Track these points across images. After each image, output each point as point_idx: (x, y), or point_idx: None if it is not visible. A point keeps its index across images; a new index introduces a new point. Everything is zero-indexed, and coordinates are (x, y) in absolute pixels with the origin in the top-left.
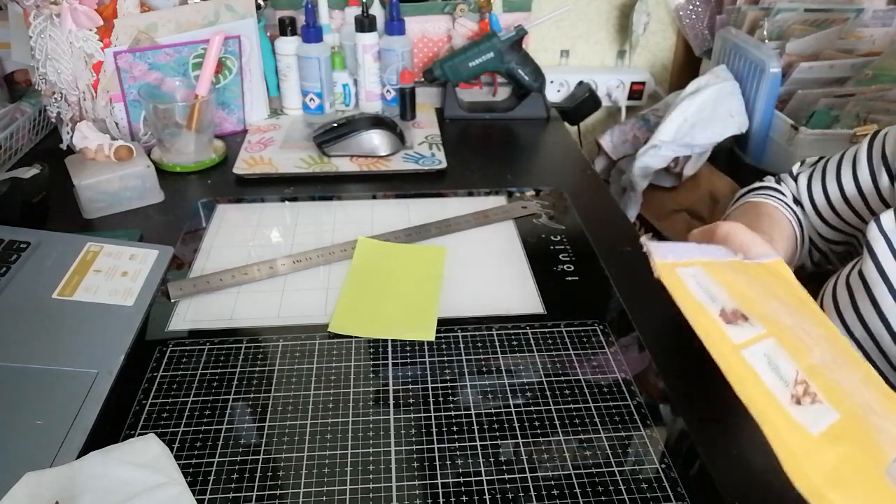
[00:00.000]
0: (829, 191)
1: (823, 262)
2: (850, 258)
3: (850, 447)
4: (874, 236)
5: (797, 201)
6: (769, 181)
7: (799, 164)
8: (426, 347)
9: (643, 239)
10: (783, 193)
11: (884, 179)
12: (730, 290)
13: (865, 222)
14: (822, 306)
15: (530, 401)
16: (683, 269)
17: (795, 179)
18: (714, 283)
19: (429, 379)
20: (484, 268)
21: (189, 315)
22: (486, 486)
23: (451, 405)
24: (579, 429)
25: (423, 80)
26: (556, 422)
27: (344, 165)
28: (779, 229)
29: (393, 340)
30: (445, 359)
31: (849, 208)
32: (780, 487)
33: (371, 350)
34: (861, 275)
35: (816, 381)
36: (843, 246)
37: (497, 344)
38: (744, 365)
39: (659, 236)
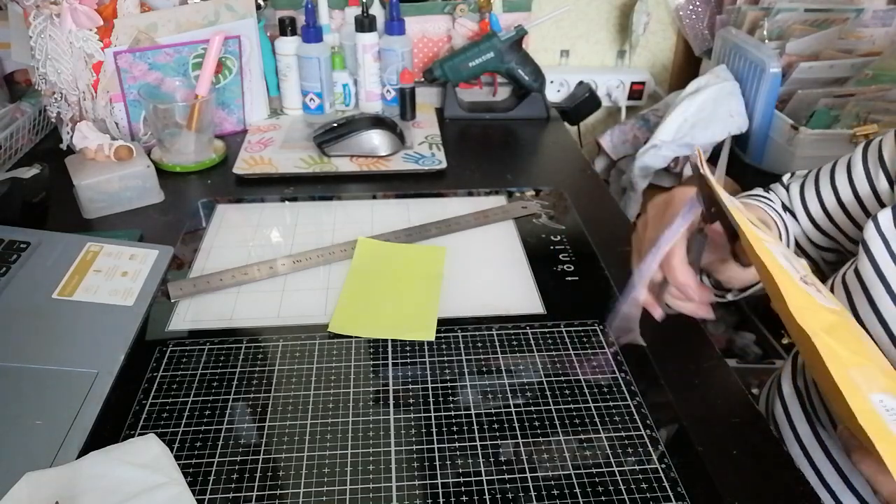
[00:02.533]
0: (824, 196)
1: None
2: (840, 265)
3: (845, 321)
4: (871, 235)
5: (787, 209)
6: (758, 192)
7: (789, 175)
8: (426, 347)
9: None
10: (771, 200)
11: (882, 184)
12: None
13: (860, 228)
14: None
15: (530, 401)
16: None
17: (787, 188)
18: (739, 207)
19: (429, 379)
20: (484, 268)
21: (189, 315)
22: (486, 486)
23: (451, 405)
24: (579, 429)
25: (423, 80)
26: (556, 422)
27: (344, 165)
28: (758, 216)
29: (393, 340)
30: (445, 359)
31: (844, 213)
32: (781, 487)
33: (371, 350)
34: (858, 275)
35: (822, 288)
36: (835, 254)
37: (497, 344)
38: (764, 249)
39: None
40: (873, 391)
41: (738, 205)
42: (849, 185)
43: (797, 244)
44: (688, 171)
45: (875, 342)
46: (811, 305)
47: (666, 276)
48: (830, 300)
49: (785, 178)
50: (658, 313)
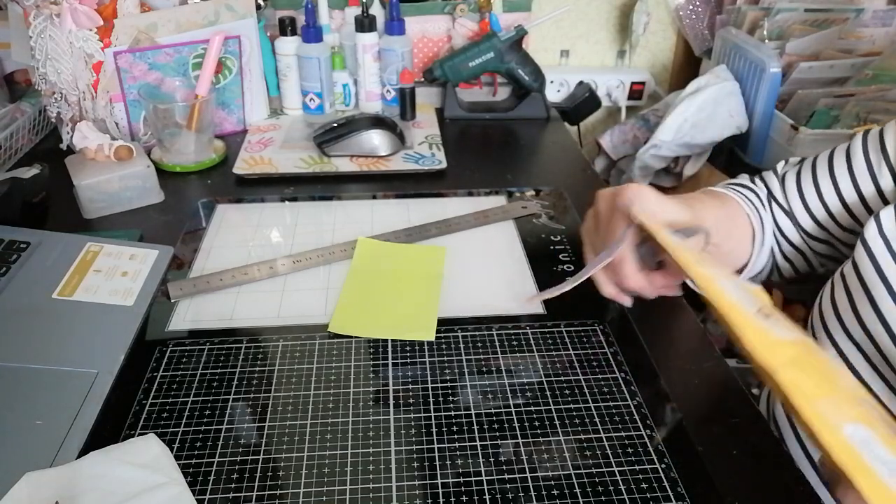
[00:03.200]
0: (822, 189)
1: (801, 265)
2: (831, 259)
3: (808, 352)
4: (872, 235)
5: (774, 199)
6: (743, 178)
7: (783, 163)
8: (426, 347)
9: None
10: (752, 191)
11: (885, 179)
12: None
13: (860, 222)
14: (820, 309)
15: (530, 401)
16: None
17: (782, 179)
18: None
19: (429, 379)
20: (484, 268)
21: (189, 315)
22: (486, 486)
23: (451, 405)
24: (579, 429)
25: (423, 80)
26: (556, 422)
27: (344, 165)
28: (718, 210)
29: (393, 340)
30: (445, 359)
31: (844, 208)
32: (781, 488)
33: (371, 350)
34: (859, 276)
35: (780, 318)
36: (828, 246)
37: (497, 344)
38: (715, 288)
39: None
40: (844, 422)
41: (681, 243)
42: (849, 178)
43: (784, 236)
44: (688, 171)
45: (874, 342)
46: (767, 340)
47: (619, 285)
48: (789, 329)
49: (779, 167)
50: (626, 301)
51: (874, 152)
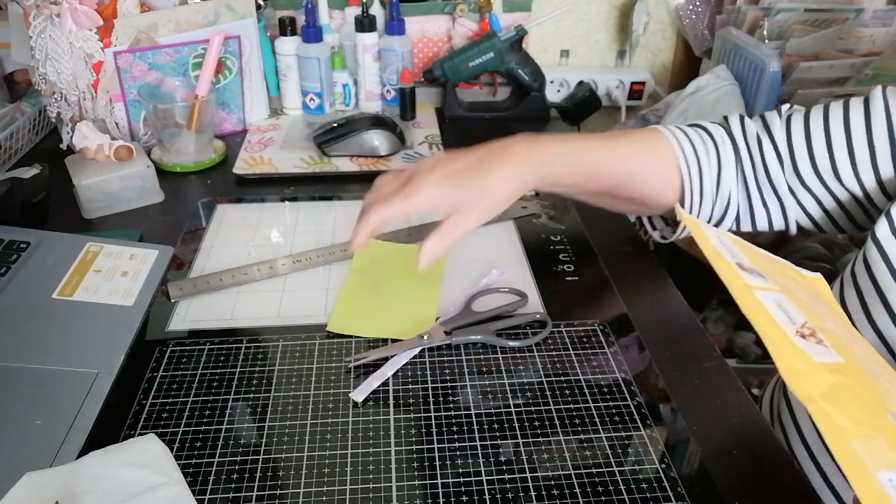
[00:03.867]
0: (833, 138)
1: (777, 217)
2: (809, 218)
3: (848, 380)
4: (885, 235)
5: (772, 139)
6: (732, 116)
7: (788, 106)
8: (426, 347)
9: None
10: (726, 130)
11: None
12: (748, 254)
13: (860, 180)
14: None
15: (530, 401)
16: (708, 228)
17: (788, 119)
18: (734, 245)
19: (429, 379)
20: (484, 268)
21: (189, 315)
22: (486, 486)
23: (451, 405)
24: (579, 429)
25: (423, 80)
26: (556, 422)
27: (344, 165)
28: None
29: (392, 340)
30: (445, 359)
31: (850, 162)
32: (781, 487)
33: (371, 350)
34: (871, 276)
35: (825, 335)
36: (813, 199)
37: (497, 344)
38: (754, 300)
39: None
40: (880, 469)
41: (726, 243)
42: (864, 130)
43: (769, 180)
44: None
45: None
46: (806, 367)
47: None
48: (832, 351)
49: (784, 108)
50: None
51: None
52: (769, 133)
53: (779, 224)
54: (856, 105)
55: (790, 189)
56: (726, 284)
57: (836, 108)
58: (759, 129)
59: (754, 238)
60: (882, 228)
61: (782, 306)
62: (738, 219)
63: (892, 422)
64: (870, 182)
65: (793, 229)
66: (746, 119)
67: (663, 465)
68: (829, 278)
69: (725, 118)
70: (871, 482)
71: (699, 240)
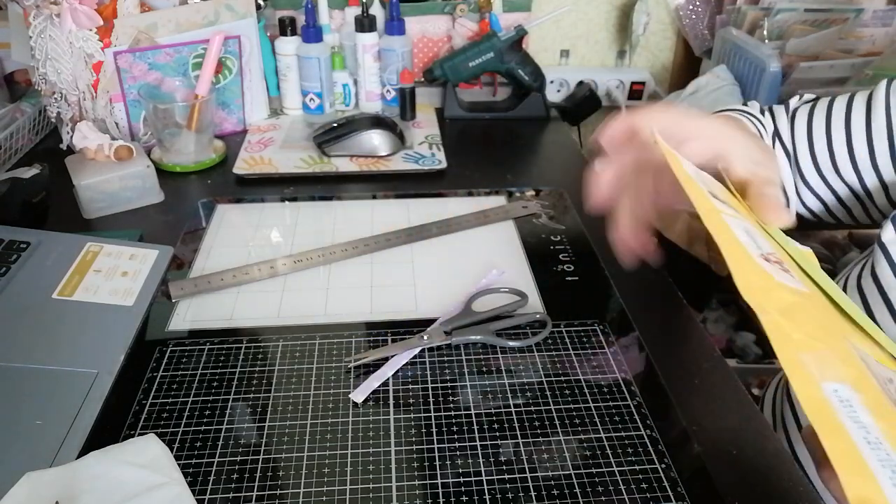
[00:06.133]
0: (833, 135)
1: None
2: (813, 215)
3: (810, 304)
4: (890, 239)
5: (779, 136)
6: (754, 107)
7: (797, 97)
8: (426, 347)
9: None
10: (761, 123)
11: None
12: (726, 194)
13: (863, 183)
14: None
15: (530, 401)
16: (685, 160)
17: (792, 116)
18: (713, 182)
19: (429, 379)
20: (484, 268)
21: (189, 315)
22: (486, 486)
23: (451, 405)
24: (579, 429)
25: (423, 80)
26: (556, 422)
27: (344, 165)
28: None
29: (393, 340)
30: (445, 359)
31: (850, 160)
32: (780, 487)
33: (371, 350)
34: (875, 278)
35: (791, 267)
36: (817, 200)
37: (497, 344)
38: (721, 221)
39: (659, 237)
40: (827, 380)
41: (703, 177)
42: (864, 132)
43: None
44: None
45: None
46: (766, 284)
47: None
48: (799, 282)
49: (792, 101)
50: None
51: None
52: (776, 128)
53: None
54: (858, 103)
55: (794, 185)
56: (695, 205)
57: (839, 105)
58: (769, 123)
59: None
60: (888, 232)
61: (750, 234)
62: None
63: (849, 347)
64: (870, 179)
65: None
66: (766, 112)
67: (663, 465)
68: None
69: (745, 106)
70: (815, 390)
71: (674, 165)
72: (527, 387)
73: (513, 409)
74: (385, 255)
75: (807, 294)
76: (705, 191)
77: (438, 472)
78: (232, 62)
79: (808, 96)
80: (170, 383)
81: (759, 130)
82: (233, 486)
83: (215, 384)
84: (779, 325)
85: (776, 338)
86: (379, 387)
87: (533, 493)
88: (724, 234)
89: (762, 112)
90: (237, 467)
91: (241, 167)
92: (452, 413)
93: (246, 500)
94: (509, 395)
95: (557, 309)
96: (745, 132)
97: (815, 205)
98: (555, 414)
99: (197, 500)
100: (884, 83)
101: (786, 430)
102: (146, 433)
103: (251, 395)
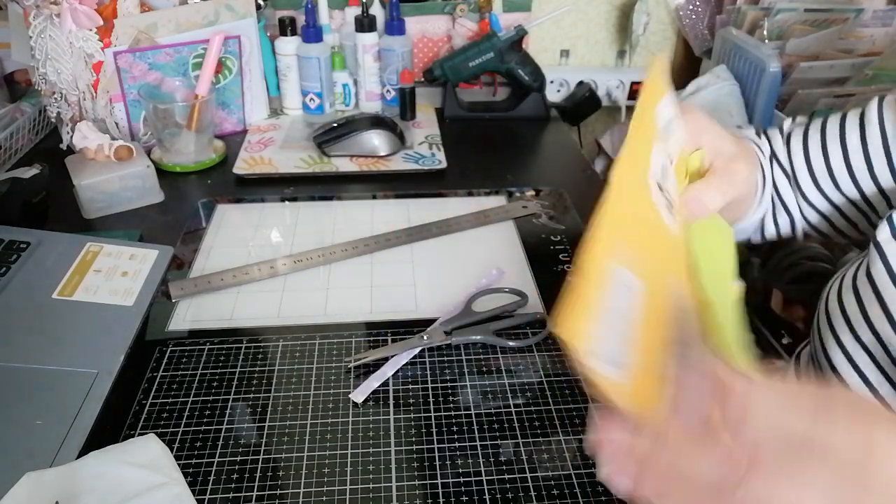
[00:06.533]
0: (830, 153)
1: (786, 229)
2: (816, 231)
3: (660, 234)
4: (885, 238)
5: (776, 158)
6: (749, 132)
7: (790, 121)
8: (426, 347)
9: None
10: (758, 147)
11: None
12: (678, 172)
13: (863, 194)
14: (827, 309)
15: (530, 401)
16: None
17: (787, 138)
18: (678, 139)
19: (429, 379)
20: (484, 267)
21: (189, 315)
22: (486, 486)
23: (451, 405)
24: (579, 429)
25: (423, 80)
26: (556, 422)
27: (344, 165)
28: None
29: (393, 340)
30: (445, 359)
31: (849, 175)
32: None
33: (371, 349)
34: (870, 277)
35: (678, 217)
36: (819, 215)
37: (497, 344)
38: (635, 165)
39: None
40: (618, 263)
41: (671, 129)
42: (860, 147)
43: (779, 197)
44: None
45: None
46: (638, 188)
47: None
48: (674, 221)
49: (786, 125)
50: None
51: (890, 124)
52: (773, 151)
53: (787, 233)
54: (851, 122)
55: (797, 204)
56: (622, 152)
57: (832, 124)
58: (765, 146)
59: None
60: (883, 231)
61: (665, 169)
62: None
63: (668, 276)
64: (870, 190)
65: (800, 238)
66: (762, 135)
67: None
68: (829, 278)
69: (744, 132)
70: (605, 260)
71: (645, 99)
72: (527, 387)
73: (513, 409)
74: (385, 255)
75: (668, 232)
76: (650, 153)
77: (438, 472)
78: (232, 62)
79: (800, 119)
80: (170, 383)
81: (758, 153)
82: (233, 486)
83: (215, 384)
84: (623, 213)
85: (609, 220)
86: (379, 387)
87: (533, 493)
88: (632, 166)
89: (758, 135)
90: (237, 467)
91: (241, 167)
92: (452, 413)
93: (246, 500)
94: (509, 395)
95: (557, 309)
96: (719, 127)
97: (818, 221)
98: (555, 414)
99: (197, 500)
100: (875, 100)
101: None
102: (146, 433)
103: (251, 395)
